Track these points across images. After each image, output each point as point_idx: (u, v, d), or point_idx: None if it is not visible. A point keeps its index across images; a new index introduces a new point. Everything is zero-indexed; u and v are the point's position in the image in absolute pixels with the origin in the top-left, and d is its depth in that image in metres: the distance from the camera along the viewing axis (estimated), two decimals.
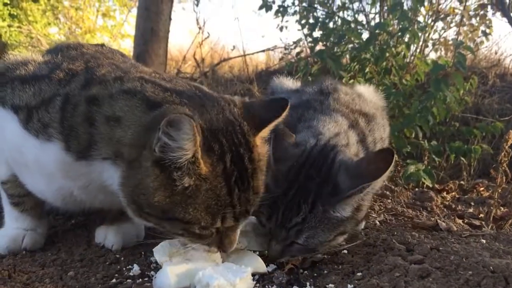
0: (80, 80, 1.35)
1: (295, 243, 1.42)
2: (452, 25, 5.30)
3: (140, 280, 1.37)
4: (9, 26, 8.80)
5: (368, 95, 1.95)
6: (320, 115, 1.66)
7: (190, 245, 1.30)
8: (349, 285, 1.28)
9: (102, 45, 1.71)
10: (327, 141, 1.53)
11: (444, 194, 2.98)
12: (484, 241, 1.67)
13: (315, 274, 1.41)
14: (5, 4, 8.82)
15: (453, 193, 3.04)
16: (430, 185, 2.91)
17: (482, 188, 3.21)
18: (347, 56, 4.02)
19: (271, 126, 1.29)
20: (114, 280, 1.36)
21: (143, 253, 1.54)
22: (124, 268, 1.44)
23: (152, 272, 1.40)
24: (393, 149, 1.42)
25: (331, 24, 4.49)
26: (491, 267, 1.28)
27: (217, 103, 1.25)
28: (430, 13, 4.93)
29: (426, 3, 4.64)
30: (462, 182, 3.35)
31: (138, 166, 1.17)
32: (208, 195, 1.16)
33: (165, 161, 1.11)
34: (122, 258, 1.51)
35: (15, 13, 9.08)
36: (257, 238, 1.49)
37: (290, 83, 2.09)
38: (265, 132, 1.30)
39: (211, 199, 1.16)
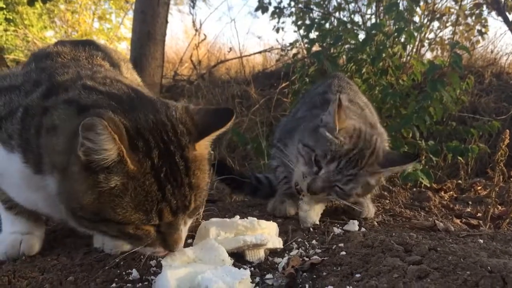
0: (42, 90, 1.36)
1: (337, 187, 1.81)
2: (448, 24, 5.34)
3: (140, 284, 1.37)
4: (5, 30, 8.81)
5: None
6: None
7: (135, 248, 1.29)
8: (348, 287, 1.28)
9: (88, 42, 1.73)
10: None
11: (442, 193, 2.99)
12: (481, 241, 1.68)
13: (314, 276, 1.41)
14: (1, 9, 8.83)
15: (451, 193, 3.05)
16: (428, 185, 2.91)
17: (479, 187, 3.22)
18: (344, 57, 4.03)
19: (214, 134, 1.32)
20: (114, 285, 1.36)
21: (142, 257, 1.53)
22: (124, 273, 1.44)
23: (152, 277, 1.40)
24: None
25: (327, 25, 4.50)
26: (488, 267, 1.28)
27: (152, 105, 1.27)
28: (426, 13, 4.96)
29: (421, 3, 4.65)
30: (459, 181, 3.36)
31: (69, 173, 1.17)
32: (136, 192, 1.15)
33: (92, 164, 1.12)
34: (122, 263, 1.50)
35: (11, 17, 9.09)
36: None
37: None
38: (208, 139, 1.33)
39: (141, 195, 1.16)
